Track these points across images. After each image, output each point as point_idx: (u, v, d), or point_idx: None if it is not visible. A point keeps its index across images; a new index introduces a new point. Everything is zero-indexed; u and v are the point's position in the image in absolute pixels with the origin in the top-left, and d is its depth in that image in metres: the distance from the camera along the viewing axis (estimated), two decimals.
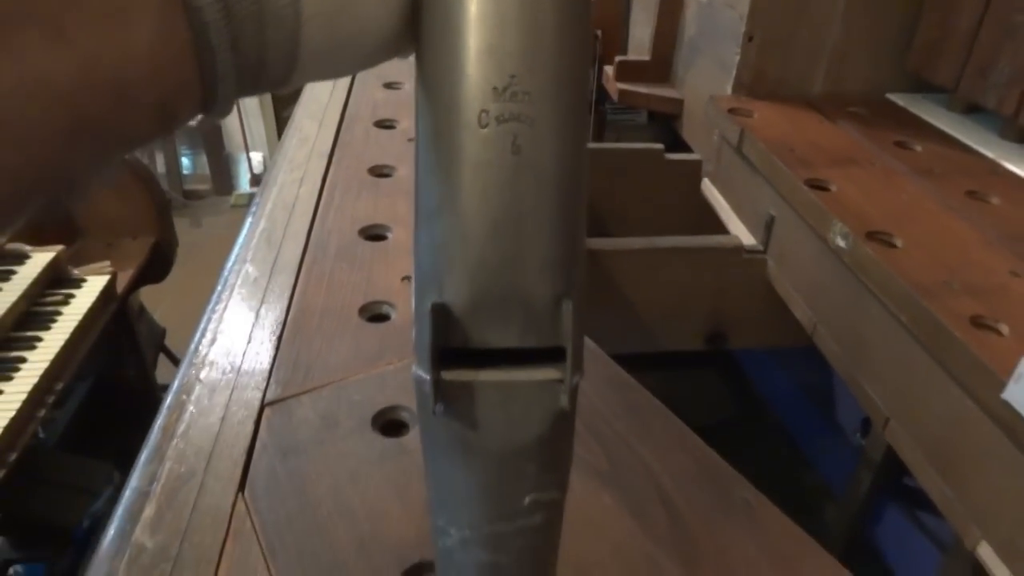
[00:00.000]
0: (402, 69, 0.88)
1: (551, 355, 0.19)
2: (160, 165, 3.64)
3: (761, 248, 0.78)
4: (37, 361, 1.09)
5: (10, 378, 1.05)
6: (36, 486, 1.42)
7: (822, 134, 0.78)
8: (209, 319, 0.43)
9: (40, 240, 1.35)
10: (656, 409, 0.37)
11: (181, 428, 0.36)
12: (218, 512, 0.30)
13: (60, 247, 1.28)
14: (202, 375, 0.38)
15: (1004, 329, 0.48)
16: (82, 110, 0.16)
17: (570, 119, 0.18)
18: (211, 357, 0.39)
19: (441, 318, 0.18)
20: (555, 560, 0.22)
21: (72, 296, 1.24)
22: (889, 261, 0.55)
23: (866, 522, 0.88)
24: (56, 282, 1.25)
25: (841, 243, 0.60)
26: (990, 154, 0.73)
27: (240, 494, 0.32)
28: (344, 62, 0.20)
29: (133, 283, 1.46)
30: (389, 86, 0.82)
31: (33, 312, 1.18)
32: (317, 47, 0.18)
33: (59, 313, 1.19)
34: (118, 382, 1.63)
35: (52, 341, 1.13)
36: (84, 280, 1.28)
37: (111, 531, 0.29)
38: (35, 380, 1.04)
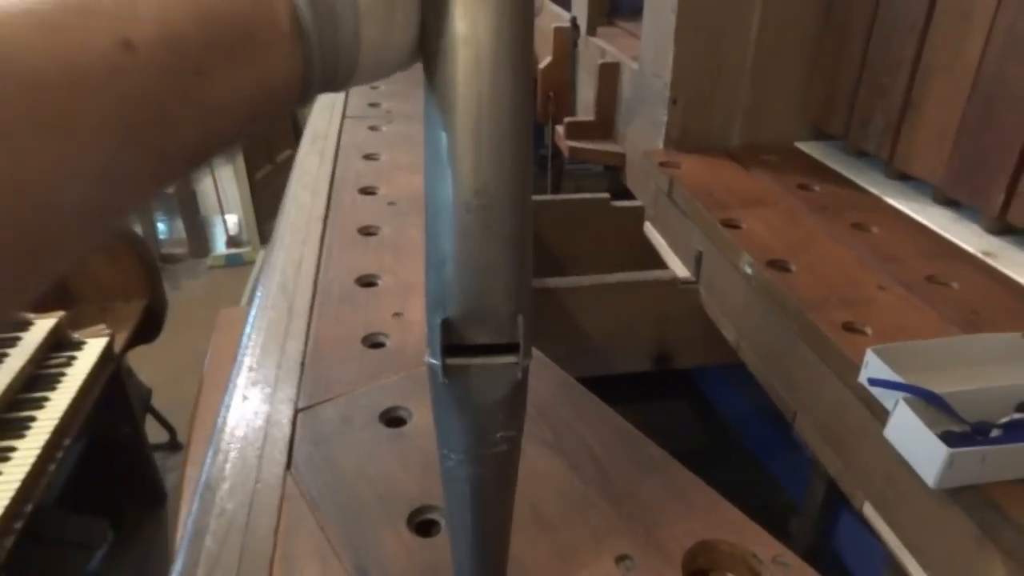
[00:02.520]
0: (379, 143, 1.02)
1: (511, 348, 0.31)
2: (136, 229, 3.72)
3: (694, 279, 0.91)
4: (46, 419, 1.17)
5: (23, 436, 1.13)
6: (37, 543, 1.47)
7: (738, 180, 0.92)
8: (244, 355, 0.54)
9: (38, 307, 1.44)
10: (590, 399, 0.49)
11: (238, 432, 0.47)
12: (274, 483, 0.42)
13: (61, 313, 1.37)
14: (247, 393, 0.49)
15: (869, 331, 0.61)
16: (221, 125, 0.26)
17: (520, 201, 0.29)
18: (252, 380, 0.51)
19: (446, 327, 0.30)
20: (515, 476, 0.34)
21: (74, 358, 1.32)
22: (784, 283, 0.68)
23: (824, 529, 0.98)
24: (58, 345, 1.34)
25: (748, 270, 0.73)
26: (875, 191, 0.87)
27: (287, 471, 0.44)
28: (384, 65, 0.30)
29: (127, 344, 1.55)
30: (368, 157, 0.95)
31: (39, 374, 1.26)
32: (369, 56, 0.29)
33: (63, 374, 1.28)
34: (111, 441, 1.70)
35: (59, 400, 1.21)
36: (84, 343, 1.37)
37: (196, 500, 0.40)
38: (46, 436, 1.12)
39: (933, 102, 0.79)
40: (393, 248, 0.67)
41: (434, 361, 0.30)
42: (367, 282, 0.63)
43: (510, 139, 0.28)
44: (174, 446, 2.24)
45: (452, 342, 0.30)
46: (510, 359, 0.30)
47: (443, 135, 0.28)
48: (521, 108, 0.28)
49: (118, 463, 1.68)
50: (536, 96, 1.53)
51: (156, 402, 2.19)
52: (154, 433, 2.18)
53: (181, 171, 0.27)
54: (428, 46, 0.29)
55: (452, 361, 0.30)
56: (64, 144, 0.22)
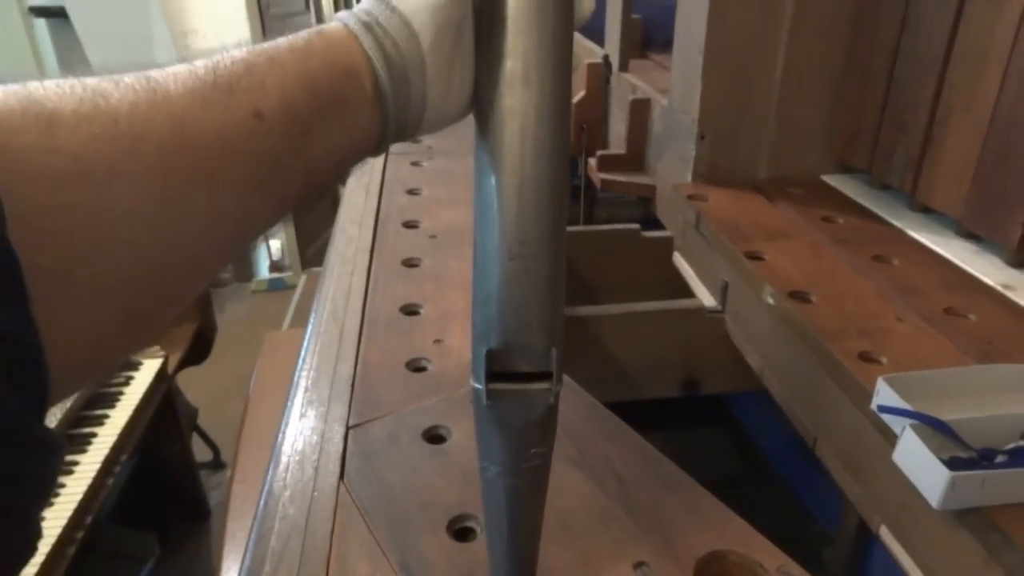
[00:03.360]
0: (420, 178, 1.08)
1: (545, 376, 0.35)
2: None
3: (720, 308, 0.94)
4: (106, 435, 1.24)
5: (85, 451, 1.20)
6: (91, 555, 1.54)
7: (763, 213, 0.95)
8: (300, 377, 0.60)
9: None
10: (614, 422, 0.54)
11: (297, 446, 0.52)
12: (329, 492, 0.47)
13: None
14: (304, 412, 0.55)
15: (884, 360, 0.64)
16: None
17: (556, 250, 0.34)
18: (308, 400, 0.56)
19: (490, 358, 0.34)
20: (545, 487, 0.38)
21: (132, 378, 1.40)
22: (804, 314, 0.71)
23: (858, 559, 1.00)
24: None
25: (771, 301, 0.76)
26: (898, 224, 0.90)
27: (341, 481, 0.49)
28: (444, 120, 0.36)
29: (179, 365, 1.63)
30: (411, 192, 1.02)
31: (100, 393, 1.34)
32: (432, 113, 0.35)
33: (122, 393, 1.36)
34: (161, 458, 1.78)
35: (118, 418, 1.29)
36: (141, 363, 1.45)
37: (261, 505, 0.45)
38: (106, 452, 1.20)
39: (952, 139, 0.82)
40: (434, 279, 0.73)
41: (478, 386, 0.34)
42: (410, 311, 0.68)
43: (548, 197, 0.33)
44: (218, 464, 2.31)
45: (495, 370, 0.34)
46: (544, 386, 0.35)
47: (492, 190, 0.33)
48: (558, 171, 0.33)
49: (166, 479, 1.76)
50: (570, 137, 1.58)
51: (201, 421, 2.28)
52: (199, 452, 2.26)
53: (289, 211, 0.33)
54: (480, 112, 0.34)
55: (494, 387, 0.34)
56: (215, 193, 0.28)
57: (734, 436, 1.27)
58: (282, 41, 0.32)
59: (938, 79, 0.83)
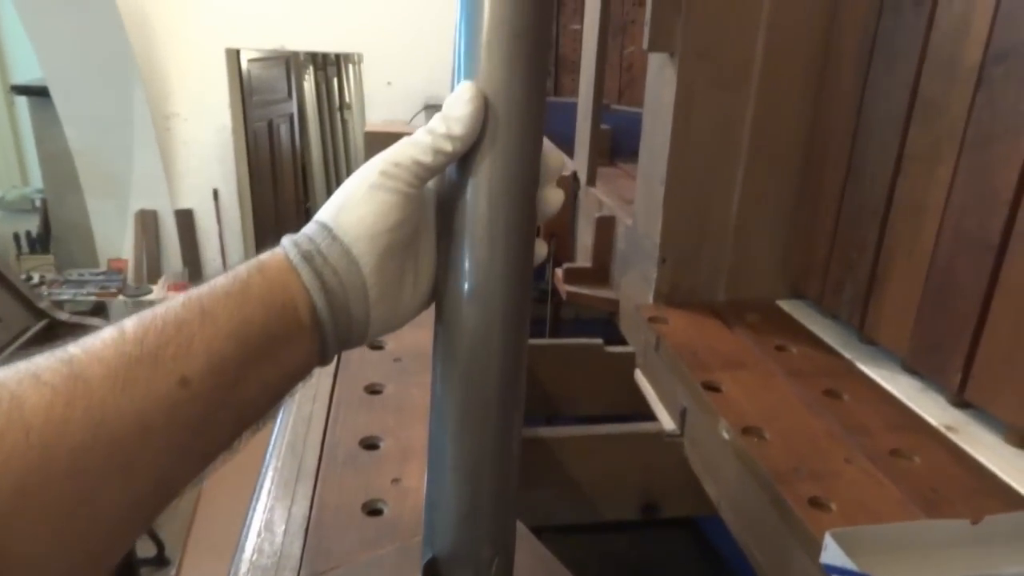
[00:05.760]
0: None
1: None
2: None
3: (679, 432, 0.95)
4: None
5: None
6: None
7: (721, 340, 0.98)
8: (251, 516, 0.59)
9: None
10: (555, 567, 0.54)
11: None
12: None
13: None
14: (253, 559, 0.54)
15: (833, 506, 0.65)
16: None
17: (505, 466, 0.35)
18: (258, 547, 0.55)
19: (430, 566, 0.35)
20: None
21: None
22: (758, 452, 0.73)
23: None
24: None
25: (726, 436, 0.78)
26: (848, 355, 0.93)
27: None
28: (394, 327, 0.37)
29: None
30: None
31: None
32: (378, 327, 0.36)
33: None
34: None
35: None
36: None
37: None
38: None
39: (896, 282, 0.87)
40: (396, 409, 0.73)
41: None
42: (370, 444, 0.68)
43: (496, 415, 0.34)
44: (161, 561, 2.21)
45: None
46: None
47: (441, 402, 0.34)
48: (510, 386, 0.35)
49: None
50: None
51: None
52: (141, 547, 2.16)
53: (214, 462, 0.33)
54: (436, 317, 0.36)
55: None
56: (131, 478, 0.28)
57: (697, 540, 1.27)
58: (221, 283, 0.33)
59: (881, 225, 0.89)
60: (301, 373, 0.35)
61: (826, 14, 0.97)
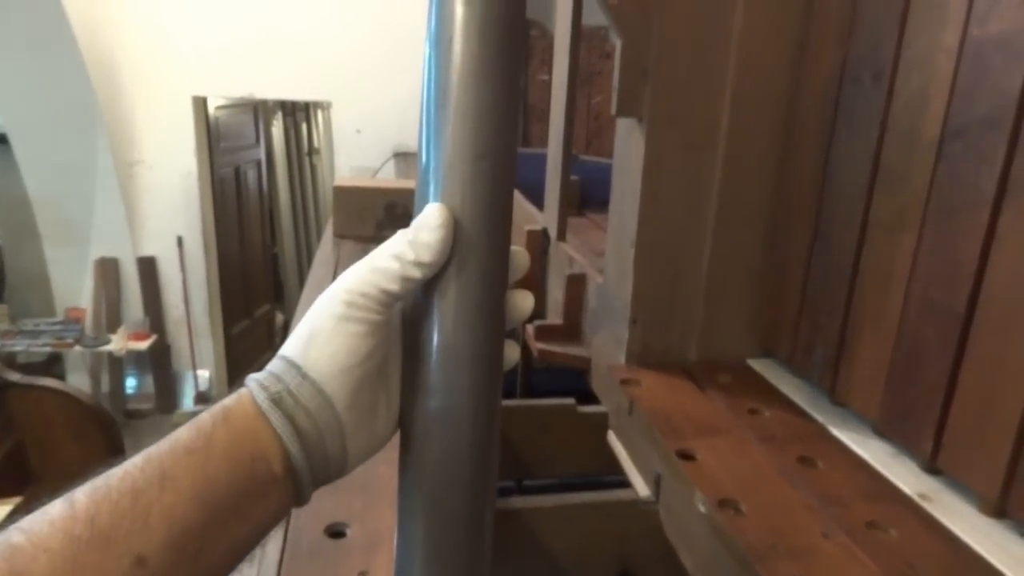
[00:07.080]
0: None
1: None
2: (104, 384, 3.68)
3: (654, 499, 0.94)
4: None
5: None
6: None
7: (694, 403, 0.98)
8: None
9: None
10: None
11: None
12: None
13: (18, 499, 1.35)
14: None
15: None
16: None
17: (474, 565, 0.33)
18: None
19: None
20: None
21: None
22: (735, 527, 0.72)
23: None
24: None
25: (702, 508, 0.76)
26: (820, 418, 0.93)
27: None
28: (374, 452, 0.35)
29: None
30: None
31: None
32: (355, 460, 0.34)
33: None
34: None
35: None
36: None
37: None
38: None
39: (865, 347, 0.87)
40: (363, 489, 0.71)
41: None
42: (336, 531, 0.65)
43: (465, 531, 0.33)
44: None
45: None
46: None
47: (408, 512, 0.32)
48: (475, 507, 0.33)
49: None
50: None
51: None
52: None
53: None
54: (401, 432, 0.34)
55: None
56: None
57: None
58: (183, 439, 0.30)
59: (848, 289, 0.89)
60: (273, 523, 0.33)
61: (789, 80, 0.99)
